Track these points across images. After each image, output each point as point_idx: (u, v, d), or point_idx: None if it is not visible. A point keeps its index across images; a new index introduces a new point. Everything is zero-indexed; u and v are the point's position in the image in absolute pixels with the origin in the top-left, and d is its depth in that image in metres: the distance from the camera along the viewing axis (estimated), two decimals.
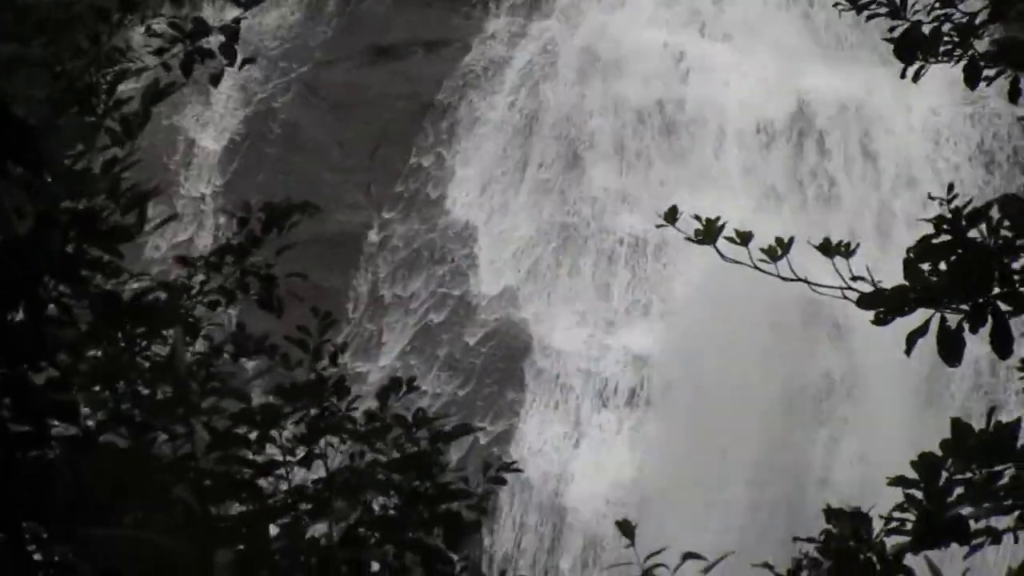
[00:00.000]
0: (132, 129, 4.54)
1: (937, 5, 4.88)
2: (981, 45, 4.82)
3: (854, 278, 4.52)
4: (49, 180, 4.44)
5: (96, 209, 4.52)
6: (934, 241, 4.23)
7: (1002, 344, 4.25)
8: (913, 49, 4.69)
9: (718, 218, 5.21)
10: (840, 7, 4.96)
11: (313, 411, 4.66)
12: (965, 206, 4.24)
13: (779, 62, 19.55)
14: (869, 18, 4.83)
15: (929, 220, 4.30)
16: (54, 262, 4.44)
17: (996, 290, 4.22)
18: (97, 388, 4.47)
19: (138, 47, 4.86)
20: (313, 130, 19.57)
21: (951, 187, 4.39)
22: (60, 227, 4.57)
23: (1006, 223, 4.22)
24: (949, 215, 4.23)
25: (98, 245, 4.62)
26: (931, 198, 4.66)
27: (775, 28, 20.02)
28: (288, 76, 19.88)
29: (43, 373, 3.62)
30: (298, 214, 4.95)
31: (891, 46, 4.95)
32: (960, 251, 4.19)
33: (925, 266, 4.24)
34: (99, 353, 4.53)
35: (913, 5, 4.86)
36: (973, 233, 4.21)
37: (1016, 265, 4.30)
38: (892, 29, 4.86)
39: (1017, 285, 4.27)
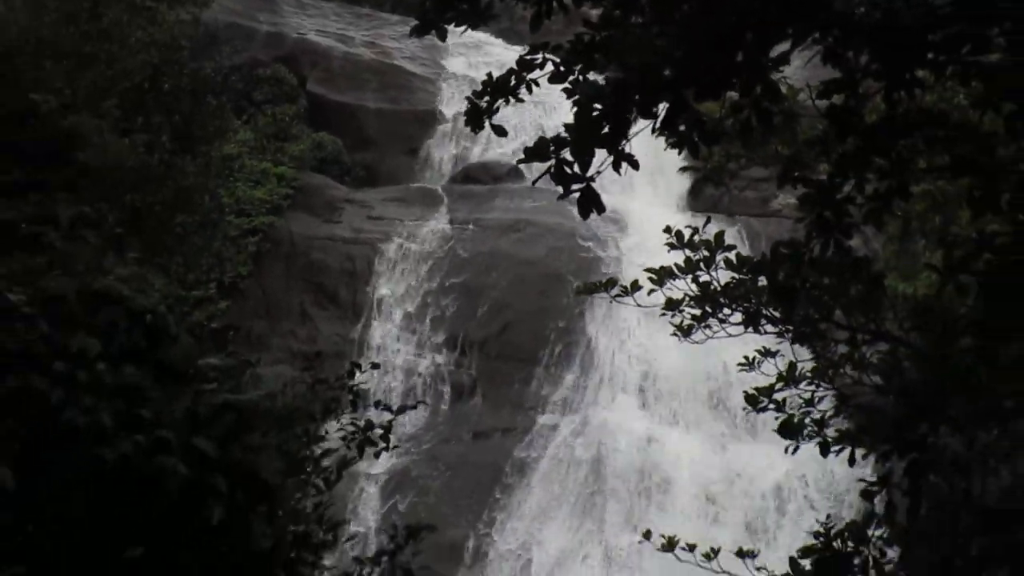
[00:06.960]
0: (330, 484, 7.68)
1: (804, 405, 8.11)
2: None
3: None
4: (280, 514, 7.50)
5: (309, 532, 7.56)
6: None
7: None
8: (788, 432, 7.83)
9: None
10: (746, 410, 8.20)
11: None
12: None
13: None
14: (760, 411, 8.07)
15: None
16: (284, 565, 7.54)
17: None
18: None
19: (332, 432, 8.06)
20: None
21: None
22: (287, 543, 7.61)
23: None
24: None
25: (310, 553, 7.66)
26: None
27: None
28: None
29: None
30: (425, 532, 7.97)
31: None
32: None
33: None
34: None
35: (789, 401, 8.10)
36: None
37: None
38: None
39: None
